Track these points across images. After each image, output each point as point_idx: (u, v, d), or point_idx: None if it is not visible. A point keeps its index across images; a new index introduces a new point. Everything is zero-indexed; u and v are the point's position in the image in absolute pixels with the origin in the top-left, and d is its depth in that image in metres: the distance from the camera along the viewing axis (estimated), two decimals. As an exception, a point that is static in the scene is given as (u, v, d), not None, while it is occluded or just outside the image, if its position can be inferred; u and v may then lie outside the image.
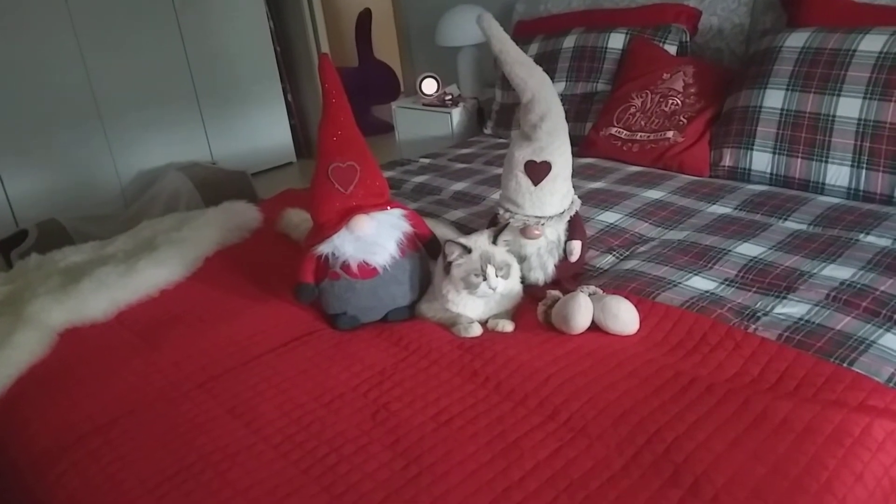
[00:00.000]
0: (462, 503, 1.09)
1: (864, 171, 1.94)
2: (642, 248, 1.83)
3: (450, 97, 3.42)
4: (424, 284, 1.70)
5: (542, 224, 1.63)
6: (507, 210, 1.66)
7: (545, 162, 1.59)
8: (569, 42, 2.80)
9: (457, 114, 3.34)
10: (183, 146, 4.52)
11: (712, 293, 1.58)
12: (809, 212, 1.89)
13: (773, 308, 1.50)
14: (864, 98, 1.95)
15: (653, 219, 1.97)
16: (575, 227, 1.68)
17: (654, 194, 2.11)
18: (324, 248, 1.61)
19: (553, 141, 1.58)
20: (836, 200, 1.95)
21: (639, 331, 1.48)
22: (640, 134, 2.41)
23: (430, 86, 3.48)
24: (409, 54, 4.09)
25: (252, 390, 1.44)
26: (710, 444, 1.13)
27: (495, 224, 1.68)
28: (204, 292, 1.88)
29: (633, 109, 2.47)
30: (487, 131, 3.12)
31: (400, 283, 1.65)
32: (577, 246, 1.67)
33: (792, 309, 1.49)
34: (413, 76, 3.88)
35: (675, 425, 1.18)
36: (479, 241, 1.58)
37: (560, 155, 1.60)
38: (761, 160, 2.12)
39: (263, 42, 4.77)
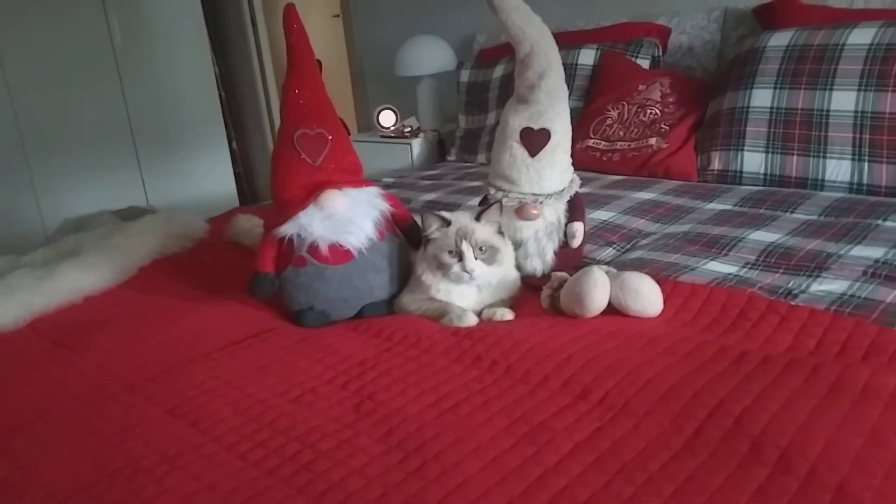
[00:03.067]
0: (485, 495, 0.83)
1: (866, 164, 1.83)
2: (644, 241, 1.64)
3: (409, 129, 3.25)
4: (404, 277, 1.46)
5: (541, 203, 1.43)
6: (499, 189, 1.46)
7: (544, 129, 1.41)
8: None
9: (417, 144, 3.17)
10: (117, 192, 4.18)
11: (736, 275, 1.39)
12: (816, 204, 1.75)
13: (808, 286, 1.31)
14: (859, 90, 1.86)
15: (649, 216, 1.80)
16: (576, 209, 1.48)
17: (645, 195, 1.95)
18: (288, 229, 1.36)
19: (553, 104, 1.40)
20: (839, 195, 1.82)
21: (663, 312, 1.27)
22: (619, 143, 2.28)
23: (387, 118, 3.31)
24: (364, 90, 3.95)
25: (198, 388, 1.15)
26: (789, 416, 0.91)
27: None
28: (138, 298, 1.59)
29: (609, 121, 2.34)
30: (451, 157, 2.95)
31: (377, 271, 1.40)
32: (579, 228, 1.46)
33: (830, 286, 1.31)
34: (367, 111, 3.72)
35: (739, 397, 0.96)
36: (461, 217, 1.37)
37: (560, 122, 1.42)
38: (753, 161, 1.99)
39: (208, 86, 4.54)
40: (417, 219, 1.49)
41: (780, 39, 2.05)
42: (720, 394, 0.97)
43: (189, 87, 4.45)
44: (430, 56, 3.17)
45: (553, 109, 1.40)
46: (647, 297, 1.24)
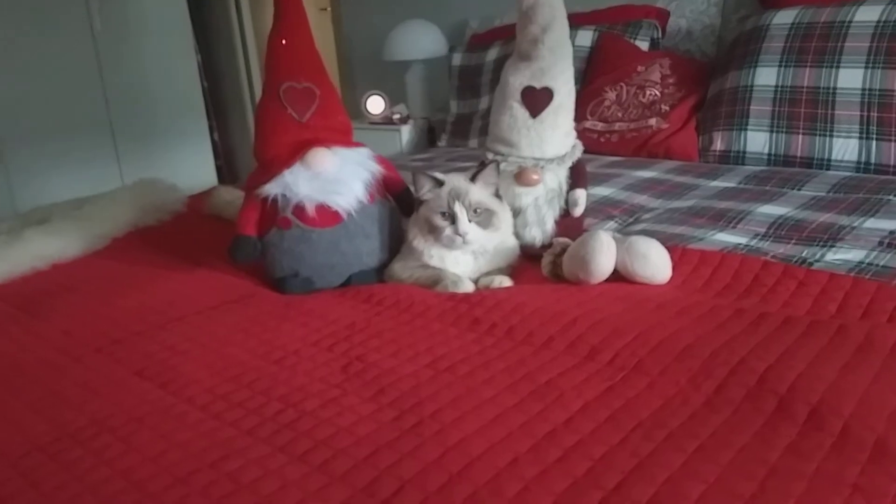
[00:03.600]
0: (489, 451, 0.74)
1: (874, 143, 1.77)
2: (647, 216, 1.57)
3: (398, 116, 3.17)
4: (395, 246, 1.38)
5: (542, 167, 1.35)
6: (497, 153, 1.38)
7: (546, 88, 1.33)
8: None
9: (406, 131, 3.09)
10: (93, 182, 4.02)
11: (746, 245, 1.32)
12: (824, 182, 1.69)
13: (823, 256, 1.24)
14: (867, 68, 1.81)
15: (650, 192, 1.73)
16: (578, 176, 1.40)
17: (645, 174, 1.88)
18: (271, 188, 1.27)
19: (557, 61, 1.32)
20: (847, 174, 1.76)
21: (671, 279, 1.19)
22: (618, 124, 2.21)
23: (376, 104, 3.23)
24: (350, 76, 3.86)
25: (170, 350, 1.06)
26: (817, 374, 0.83)
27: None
28: (109, 265, 1.50)
29: (607, 102, 2.27)
30: (442, 144, 2.87)
31: (367, 237, 1.32)
32: (582, 196, 1.38)
33: (846, 255, 1.24)
34: (354, 99, 3.63)
35: (761, 356, 0.88)
36: (454, 178, 1.28)
37: (564, 81, 1.35)
38: (757, 140, 1.93)
39: (190, 75, 4.42)
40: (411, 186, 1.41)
41: (784, 17, 2.00)
42: (740, 353, 0.89)
43: (170, 76, 4.32)
44: (420, 40, 3.08)
45: (556, 67, 1.32)
46: (655, 262, 1.17)
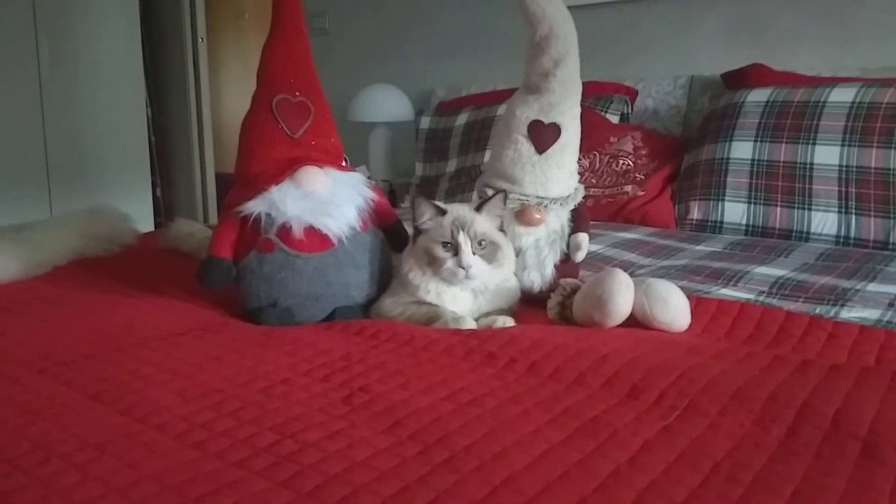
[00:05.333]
0: (547, 491, 0.62)
1: (853, 217, 1.78)
2: (641, 271, 1.50)
3: (358, 177, 3.08)
4: (384, 281, 1.25)
5: (545, 206, 1.27)
6: (498, 190, 1.29)
7: (554, 124, 1.27)
8: (503, 110, 2.60)
9: (366, 192, 3.00)
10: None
11: (755, 300, 1.26)
12: (809, 252, 1.67)
13: (837, 314, 1.18)
14: (843, 146, 1.84)
15: (638, 251, 1.67)
16: (580, 220, 1.33)
17: (627, 235, 1.83)
18: (256, 206, 1.14)
19: (567, 96, 1.27)
20: (828, 246, 1.75)
21: (690, 327, 1.10)
22: (592, 190, 2.18)
23: (335, 164, 3.14)
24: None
25: (131, 374, 0.89)
26: (893, 418, 0.75)
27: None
28: (51, 289, 1.31)
29: (580, 170, 2.24)
30: (405, 205, 2.79)
31: (357, 267, 1.19)
32: (584, 240, 1.30)
33: (861, 313, 1.18)
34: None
35: (826, 399, 0.79)
36: (458, 207, 1.19)
37: (572, 119, 1.29)
38: (735, 211, 1.92)
39: (138, 128, 4.25)
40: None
41: (758, 96, 2.04)
42: (801, 396, 0.80)
43: (117, 127, 4.13)
44: (386, 103, 3.05)
45: (566, 102, 1.27)
46: (676, 307, 1.08)
